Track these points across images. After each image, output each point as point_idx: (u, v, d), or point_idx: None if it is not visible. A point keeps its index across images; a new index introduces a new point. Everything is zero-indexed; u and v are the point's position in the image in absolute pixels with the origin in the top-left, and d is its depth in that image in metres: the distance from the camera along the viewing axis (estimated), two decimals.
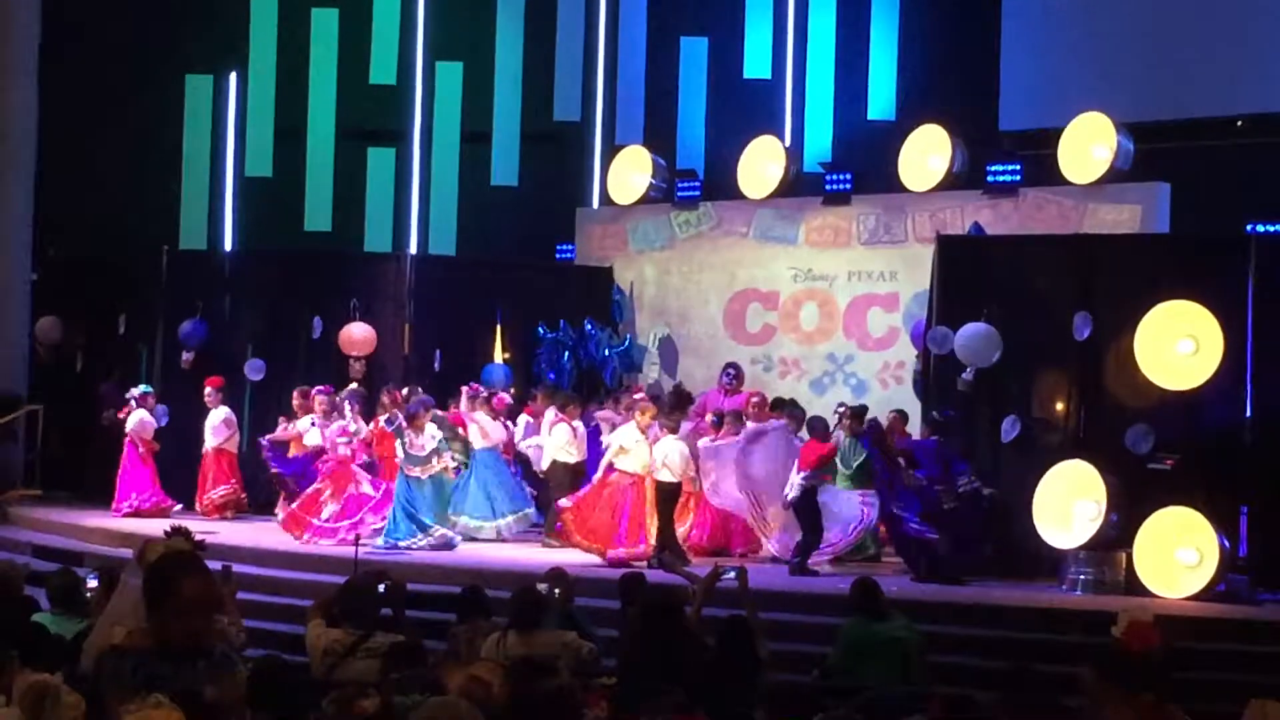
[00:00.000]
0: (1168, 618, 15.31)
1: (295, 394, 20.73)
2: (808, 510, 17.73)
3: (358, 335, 22.06)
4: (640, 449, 18.20)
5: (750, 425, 19.02)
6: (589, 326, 22.73)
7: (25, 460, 24.36)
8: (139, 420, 21.57)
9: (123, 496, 21.46)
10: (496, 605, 12.55)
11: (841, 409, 19.19)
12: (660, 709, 7.59)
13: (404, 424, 18.87)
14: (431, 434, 18.96)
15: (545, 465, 19.95)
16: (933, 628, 14.16)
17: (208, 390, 21.59)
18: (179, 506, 21.49)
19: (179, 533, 7.16)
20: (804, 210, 22.89)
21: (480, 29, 27.76)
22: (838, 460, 18.58)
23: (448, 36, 27.98)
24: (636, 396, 19.66)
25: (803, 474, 17.80)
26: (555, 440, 19.82)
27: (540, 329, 22.58)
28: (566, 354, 22.37)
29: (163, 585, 6.20)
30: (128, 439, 21.56)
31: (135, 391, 21.82)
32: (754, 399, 19.92)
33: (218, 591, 6.72)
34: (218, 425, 21.58)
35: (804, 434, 18.41)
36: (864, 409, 19.28)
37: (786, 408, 19.44)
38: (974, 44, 25.58)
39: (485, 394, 20.47)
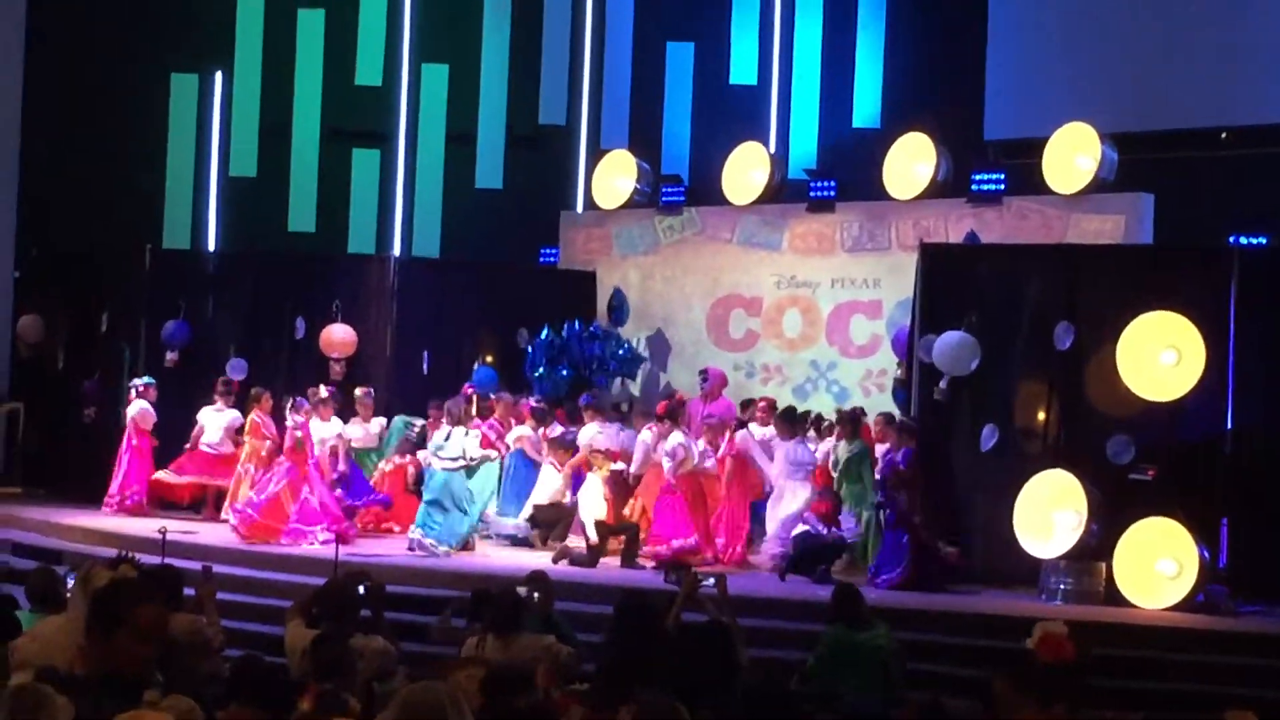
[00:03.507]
0: (1147, 628, 15.39)
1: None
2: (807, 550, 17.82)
3: (338, 336, 22.04)
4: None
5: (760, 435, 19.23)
6: (595, 329, 22.68)
7: (5, 458, 24.31)
8: (140, 409, 21.44)
9: (120, 489, 21.32)
10: None
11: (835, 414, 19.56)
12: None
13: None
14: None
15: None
16: (911, 635, 14.16)
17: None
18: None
19: (126, 561, 7.13)
20: (788, 217, 22.90)
21: (466, 31, 27.75)
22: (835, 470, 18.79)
23: (434, 38, 27.96)
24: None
25: (807, 516, 17.94)
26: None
27: (545, 331, 22.48)
28: (565, 366, 22.18)
29: (116, 611, 6.10)
30: (127, 429, 21.45)
31: (138, 382, 21.71)
32: (761, 404, 19.97)
33: (167, 620, 6.65)
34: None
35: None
36: (857, 413, 19.37)
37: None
38: (960, 53, 25.58)
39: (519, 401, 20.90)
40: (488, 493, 19.26)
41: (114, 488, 21.36)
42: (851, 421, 19.13)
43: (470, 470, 18.81)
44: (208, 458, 21.24)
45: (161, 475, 21.33)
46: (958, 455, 18.09)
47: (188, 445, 21.28)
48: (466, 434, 18.94)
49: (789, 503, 18.65)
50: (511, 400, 20.99)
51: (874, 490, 18.13)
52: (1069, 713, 7.13)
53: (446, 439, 18.83)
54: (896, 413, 19.22)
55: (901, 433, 17.88)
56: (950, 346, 17.96)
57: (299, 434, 19.28)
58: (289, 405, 19.53)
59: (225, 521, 20.00)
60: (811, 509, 18.05)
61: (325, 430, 19.75)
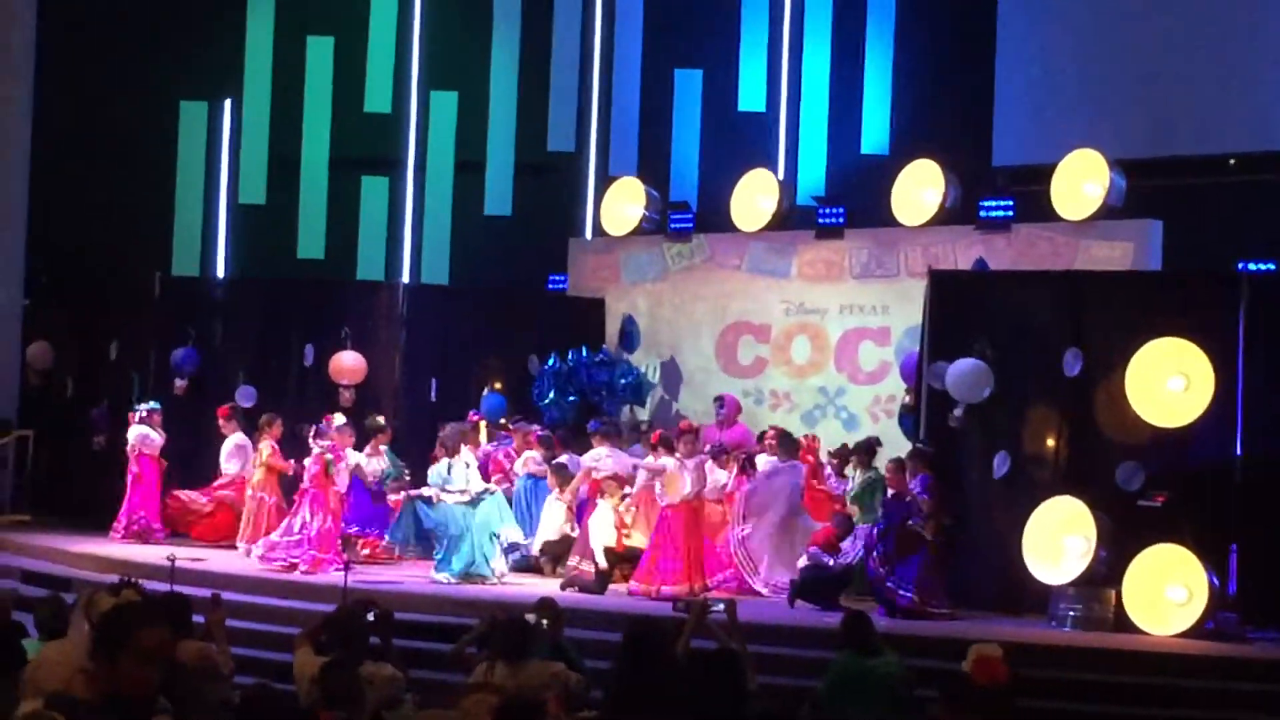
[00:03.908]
0: (1157, 655, 15.36)
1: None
2: (815, 585, 17.70)
3: (347, 363, 22.02)
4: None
5: (766, 464, 19.09)
6: (603, 355, 22.68)
7: (14, 485, 24.32)
8: (139, 435, 21.39)
9: (120, 516, 21.28)
10: None
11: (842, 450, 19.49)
12: None
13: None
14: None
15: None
16: (919, 662, 14.13)
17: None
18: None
19: (129, 585, 7.13)
20: (796, 243, 22.91)
21: (475, 59, 27.81)
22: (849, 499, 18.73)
23: (443, 66, 28.04)
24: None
25: (810, 550, 17.83)
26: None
27: (553, 359, 22.49)
28: (572, 392, 22.17)
29: (119, 635, 6.12)
30: (130, 456, 21.41)
31: (141, 408, 21.65)
32: (770, 433, 19.86)
33: (172, 643, 6.66)
34: (230, 451, 21.44)
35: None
36: (873, 442, 19.35)
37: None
38: (968, 79, 25.63)
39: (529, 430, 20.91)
40: (494, 522, 19.13)
41: (120, 514, 21.35)
42: (867, 451, 19.16)
43: (474, 501, 18.77)
44: None
45: (223, 494, 21.25)
46: (967, 482, 18.06)
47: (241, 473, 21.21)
48: (468, 466, 18.92)
49: (788, 530, 18.65)
50: (528, 428, 21.00)
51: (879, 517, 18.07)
52: None
53: (449, 471, 18.79)
54: (904, 441, 19.22)
55: (916, 459, 17.80)
56: (964, 374, 17.92)
57: (329, 457, 19.22)
58: (310, 433, 19.45)
59: (235, 548, 20.02)
60: (813, 539, 17.98)
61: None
